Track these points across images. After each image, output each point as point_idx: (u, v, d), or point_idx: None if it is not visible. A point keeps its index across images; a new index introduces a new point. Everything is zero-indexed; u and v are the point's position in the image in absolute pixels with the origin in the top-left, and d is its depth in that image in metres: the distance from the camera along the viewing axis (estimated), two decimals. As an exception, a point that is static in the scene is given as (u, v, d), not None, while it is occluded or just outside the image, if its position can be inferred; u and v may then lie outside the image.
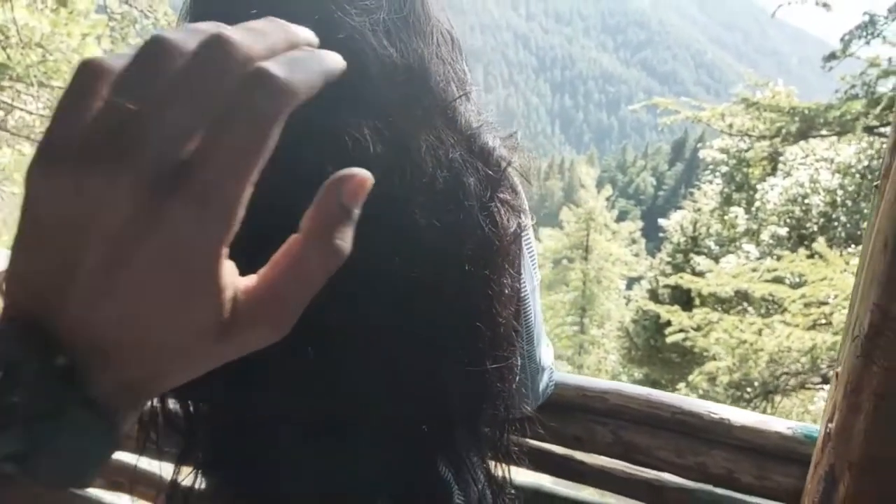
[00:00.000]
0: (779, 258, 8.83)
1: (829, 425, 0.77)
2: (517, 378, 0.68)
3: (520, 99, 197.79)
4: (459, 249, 0.59)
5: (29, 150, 10.23)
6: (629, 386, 1.16)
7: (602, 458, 1.16)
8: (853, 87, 8.01)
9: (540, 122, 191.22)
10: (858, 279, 0.73)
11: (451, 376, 0.62)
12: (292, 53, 0.29)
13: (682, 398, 1.13)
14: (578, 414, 1.15)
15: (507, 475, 0.73)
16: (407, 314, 0.59)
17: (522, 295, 0.71)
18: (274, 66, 0.26)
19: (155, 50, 0.25)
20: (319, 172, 0.51)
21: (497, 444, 0.70)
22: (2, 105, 9.43)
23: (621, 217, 27.14)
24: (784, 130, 7.52)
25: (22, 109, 9.63)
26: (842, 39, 7.67)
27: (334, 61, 0.31)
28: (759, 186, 12.25)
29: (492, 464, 0.71)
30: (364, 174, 0.30)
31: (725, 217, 13.85)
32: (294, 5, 0.57)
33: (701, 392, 9.28)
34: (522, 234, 0.67)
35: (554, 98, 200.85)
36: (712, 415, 1.07)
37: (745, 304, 9.36)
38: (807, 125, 7.29)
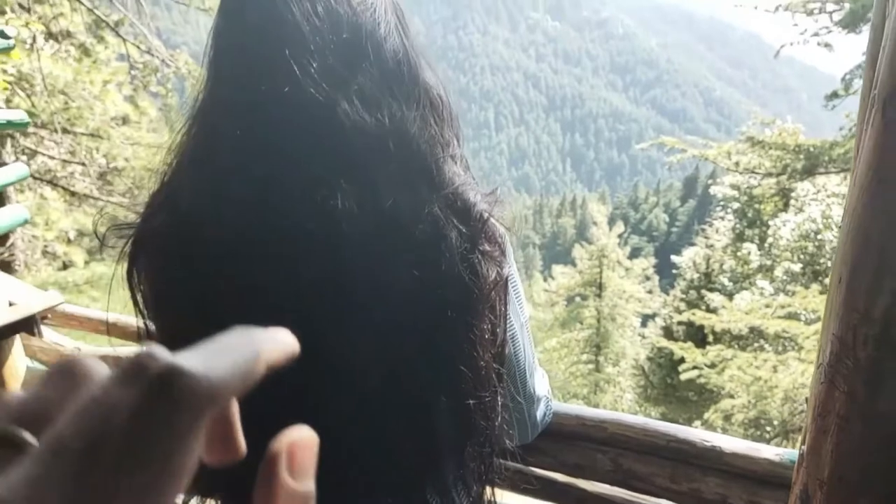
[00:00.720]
0: (793, 294, 8.82)
1: (802, 447, 0.84)
2: (500, 416, 0.72)
3: (530, 137, 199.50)
4: (440, 299, 0.64)
5: (50, 193, 10.51)
6: (626, 416, 1.23)
7: (602, 485, 1.22)
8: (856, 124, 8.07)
9: (551, 160, 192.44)
10: (825, 312, 0.81)
11: (437, 414, 0.67)
12: (223, 341, 0.25)
13: (677, 427, 1.19)
14: (579, 442, 1.21)
15: (493, 501, 0.78)
16: (393, 359, 0.64)
17: (510, 334, 0.77)
18: (189, 362, 0.22)
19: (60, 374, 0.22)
20: (305, 234, 0.61)
21: (482, 475, 0.74)
22: (25, 150, 9.71)
23: (634, 254, 27.09)
24: (790, 168, 7.61)
25: (44, 154, 9.92)
26: (843, 79, 7.80)
27: (276, 346, 0.27)
28: (771, 222, 12.27)
29: (485, 489, 0.77)
30: (307, 437, 0.26)
31: (738, 253, 13.84)
32: (266, 78, 0.63)
33: (718, 431, 9.18)
34: (507, 278, 0.73)
35: (564, 136, 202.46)
36: (705, 442, 1.14)
37: (761, 340, 9.31)
38: (812, 163, 7.37)
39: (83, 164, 9.19)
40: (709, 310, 10.55)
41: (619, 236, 20.99)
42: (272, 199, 0.63)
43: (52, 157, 10.02)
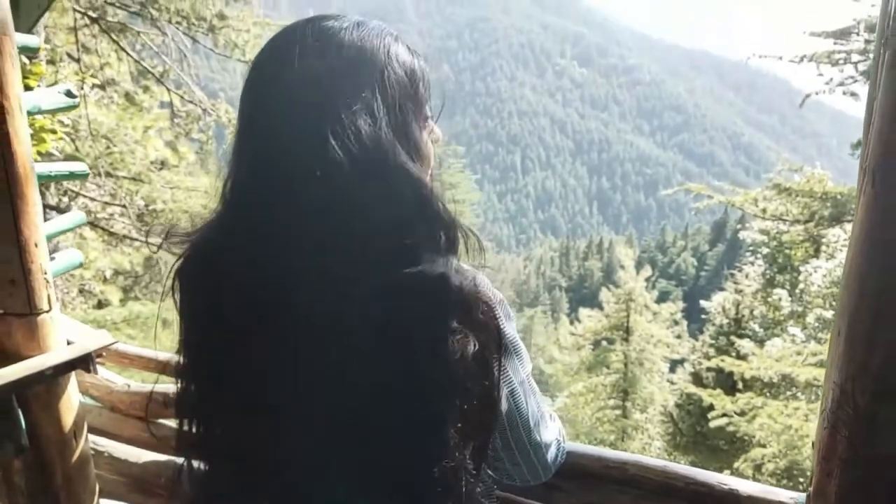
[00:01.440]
0: (824, 342, 8.66)
1: (809, 489, 0.89)
2: (472, 480, 0.78)
3: (557, 181, 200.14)
4: (413, 382, 0.72)
5: (89, 234, 10.84)
6: (647, 458, 1.28)
7: (623, 525, 1.27)
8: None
9: (577, 203, 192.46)
10: (827, 361, 0.87)
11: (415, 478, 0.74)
12: None
13: (696, 470, 1.24)
14: (600, 483, 1.27)
15: None
16: (373, 437, 0.72)
17: (509, 390, 0.84)
18: None
19: None
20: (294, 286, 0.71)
21: None
22: (68, 192, 10.06)
23: (662, 298, 26.78)
24: (818, 215, 7.58)
25: (86, 196, 10.28)
26: (870, 125, 7.74)
27: None
28: (802, 269, 12.10)
29: None
30: None
31: (769, 299, 13.63)
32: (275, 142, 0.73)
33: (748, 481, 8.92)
34: (494, 343, 0.78)
35: (591, 180, 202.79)
36: (722, 485, 1.18)
37: (792, 388, 9.12)
38: (839, 210, 7.34)
39: (123, 207, 9.50)
40: (739, 356, 10.38)
41: (647, 280, 20.81)
42: (272, 258, 0.74)
43: (93, 199, 10.38)
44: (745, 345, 10.28)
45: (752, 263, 15.32)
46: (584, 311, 22.88)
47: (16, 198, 1.54)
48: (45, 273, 1.62)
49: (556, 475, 1.11)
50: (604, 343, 19.90)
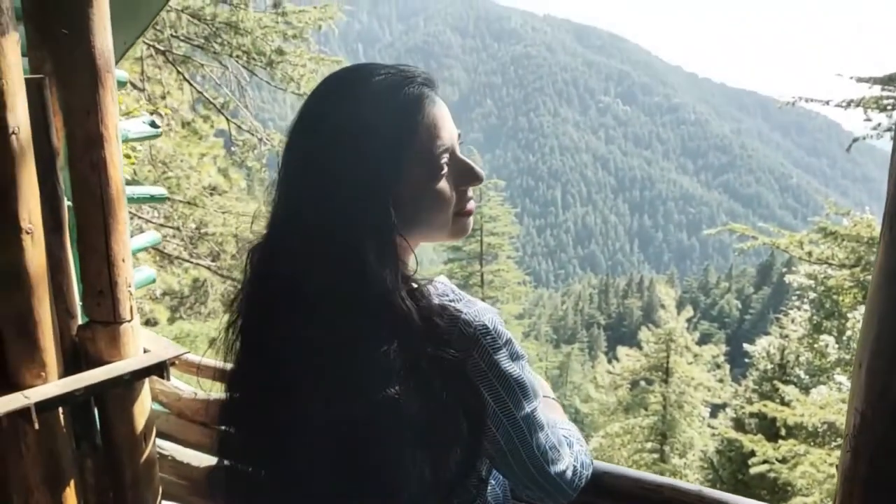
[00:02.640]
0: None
1: (834, 510, 0.96)
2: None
3: (598, 217, 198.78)
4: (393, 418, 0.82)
5: (142, 254, 11.26)
6: (683, 482, 1.35)
7: (658, 546, 1.33)
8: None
9: (618, 240, 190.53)
10: (850, 389, 0.94)
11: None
12: None
13: (732, 496, 1.30)
14: None
15: None
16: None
17: (512, 423, 0.90)
18: None
19: None
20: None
21: None
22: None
23: (704, 340, 26.24)
24: (864, 260, 7.43)
25: (141, 218, 10.71)
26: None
27: None
28: (850, 315, 11.78)
29: None
30: None
31: (815, 345, 13.25)
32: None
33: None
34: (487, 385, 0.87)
35: (633, 217, 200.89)
36: (754, 510, 1.24)
37: (837, 438, 8.84)
38: (887, 256, 7.18)
39: (177, 229, 9.87)
40: (782, 402, 10.13)
41: (688, 321, 20.45)
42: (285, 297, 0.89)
43: (147, 221, 10.82)
44: (790, 391, 10.02)
45: (799, 308, 14.96)
46: (622, 350, 22.54)
47: (108, 217, 1.72)
48: (130, 286, 1.78)
49: (591, 494, 1.20)
50: (642, 384, 19.55)
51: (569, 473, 1.00)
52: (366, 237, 0.83)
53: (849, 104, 7.38)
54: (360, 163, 0.84)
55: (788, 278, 14.17)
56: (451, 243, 19.23)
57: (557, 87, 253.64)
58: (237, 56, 8.38)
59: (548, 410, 1.13)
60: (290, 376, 0.88)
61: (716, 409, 19.95)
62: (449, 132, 0.92)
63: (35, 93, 1.62)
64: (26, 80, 1.56)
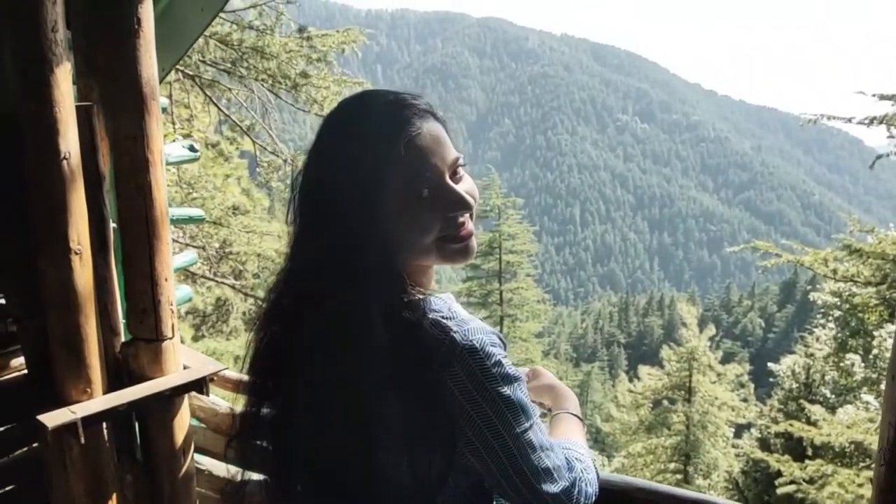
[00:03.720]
0: (901, 410, 8.22)
1: (869, 522, 0.97)
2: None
3: (617, 235, 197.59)
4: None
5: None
6: (720, 499, 1.36)
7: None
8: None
9: (638, 258, 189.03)
10: (883, 403, 0.96)
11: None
12: None
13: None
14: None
15: None
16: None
17: (501, 442, 0.92)
18: None
19: None
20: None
21: None
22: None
23: (727, 359, 25.86)
24: (890, 277, 7.32)
25: (168, 238, 10.87)
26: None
27: None
28: (876, 333, 11.57)
29: None
30: None
31: (841, 364, 13.01)
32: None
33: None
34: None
35: (652, 235, 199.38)
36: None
37: (865, 458, 8.66)
38: (914, 273, 7.09)
39: (202, 248, 10.01)
40: (809, 422, 9.95)
41: (711, 339, 20.18)
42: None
43: (175, 241, 11.00)
44: (816, 410, 9.85)
45: (824, 326, 14.71)
46: (643, 369, 22.27)
47: (153, 238, 1.78)
48: (172, 305, 1.84)
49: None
50: (664, 403, 19.28)
51: (563, 496, 1.00)
52: (355, 256, 0.92)
53: (871, 121, 7.33)
54: (347, 189, 0.92)
55: (813, 296, 13.98)
56: (470, 263, 19.20)
57: (575, 106, 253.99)
58: (262, 80, 8.55)
59: (566, 428, 1.18)
60: (287, 381, 1.01)
61: (740, 430, 19.60)
62: (439, 159, 0.97)
63: (84, 120, 1.69)
64: (76, 107, 1.64)
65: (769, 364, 18.08)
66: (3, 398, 1.82)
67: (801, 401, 13.15)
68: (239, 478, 1.10)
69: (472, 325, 0.94)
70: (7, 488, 1.91)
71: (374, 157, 0.92)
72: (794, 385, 15.08)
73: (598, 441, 30.18)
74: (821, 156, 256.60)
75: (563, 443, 1.08)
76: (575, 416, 1.23)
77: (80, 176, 1.63)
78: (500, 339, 0.98)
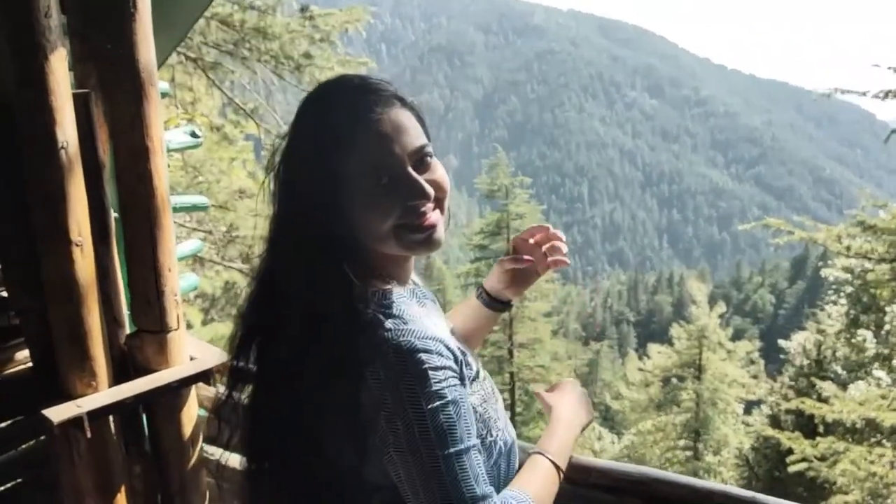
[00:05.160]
0: (914, 386, 8.19)
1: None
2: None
3: (625, 212, 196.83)
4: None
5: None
6: (736, 488, 1.33)
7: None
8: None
9: (647, 235, 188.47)
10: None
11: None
12: None
13: (784, 502, 1.27)
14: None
15: None
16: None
17: (418, 462, 0.88)
18: None
19: None
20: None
21: None
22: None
23: (737, 335, 25.82)
24: (904, 253, 7.24)
25: (175, 223, 10.88)
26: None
27: None
28: (888, 309, 11.50)
29: None
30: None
31: (853, 340, 12.96)
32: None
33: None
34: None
35: (661, 212, 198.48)
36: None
37: (877, 434, 8.63)
38: (928, 249, 6.99)
39: (209, 233, 10.00)
40: (820, 399, 9.92)
41: (721, 316, 20.16)
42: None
43: (181, 225, 11.00)
44: (827, 387, 9.82)
45: (835, 303, 14.63)
46: (653, 347, 22.31)
47: (154, 228, 1.75)
48: (176, 295, 1.81)
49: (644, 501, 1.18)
50: (674, 380, 19.32)
51: None
52: (311, 238, 0.96)
53: (886, 95, 7.19)
54: (307, 168, 0.96)
55: (824, 272, 13.89)
56: (478, 243, 19.16)
57: (583, 83, 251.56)
58: (265, 61, 8.46)
59: (529, 476, 1.08)
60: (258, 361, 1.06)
61: (750, 406, 19.65)
62: (400, 146, 0.96)
63: (82, 107, 1.65)
64: (73, 94, 1.60)
65: (780, 341, 18.07)
66: (9, 391, 1.81)
67: (813, 377, 13.13)
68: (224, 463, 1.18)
69: (409, 327, 0.91)
70: (14, 482, 1.91)
71: (334, 141, 0.94)
72: (805, 361, 15.07)
73: (608, 419, 30.34)
74: (832, 130, 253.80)
75: (506, 495, 0.99)
76: (551, 461, 1.11)
77: (79, 165, 1.59)
78: (450, 350, 0.94)
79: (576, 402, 1.25)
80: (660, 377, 19.94)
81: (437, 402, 0.88)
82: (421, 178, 0.97)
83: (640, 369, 22.70)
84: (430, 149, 1.00)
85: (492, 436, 1.06)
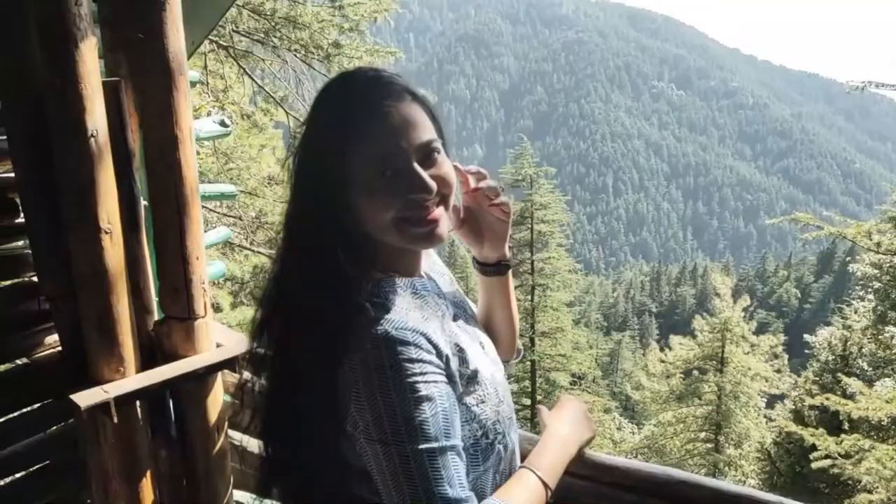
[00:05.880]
0: (942, 385, 7.97)
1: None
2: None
3: (650, 204, 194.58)
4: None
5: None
6: (765, 494, 1.28)
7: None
8: None
9: (671, 227, 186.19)
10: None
11: None
12: None
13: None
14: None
15: None
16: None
17: (390, 458, 0.87)
18: None
19: None
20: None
21: None
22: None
23: (761, 329, 25.39)
24: (938, 250, 7.00)
25: (206, 208, 11.00)
26: None
27: None
28: (918, 305, 11.21)
29: None
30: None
31: (880, 337, 12.67)
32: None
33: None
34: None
35: (686, 204, 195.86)
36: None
37: (904, 433, 8.44)
38: (962, 246, 6.76)
39: (238, 218, 10.09)
40: (845, 395, 9.72)
41: (745, 309, 19.83)
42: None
43: (210, 210, 11.12)
44: (853, 383, 9.61)
45: (862, 298, 14.31)
46: (675, 339, 22.05)
47: (183, 216, 1.74)
48: (203, 283, 1.81)
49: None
50: (695, 373, 19.10)
51: None
52: (313, 224, 0.98)
53: (923, 88, 6.94)
54: (319, 161, 0.97)
55: (852, 267, 13.62)
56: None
57: (609, 73, 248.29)
58: (295, 50, 8.46)
59: (512, 490, 1.01)
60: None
61: (773, 401, 19.36)
62: (406, 140, 0.96)
63: (112, 96, 1.64)
64: (103, 83, 1.59)
65: (805, 335, 17.74)
66: (38, 375, 1.82)
67: (838, 373, 12.86)
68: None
69: (390, 317, 0.92)
70: (42, 464, 1.93)
71: (343, 130, 0.95)
72: (831, 357, 14.78)
73: (629, 409, 30.14)
74: (863, 123, 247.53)
75: (487, 502, 0.95)
76: (539, 478, 1.04)
77: (109, 153, 1.59)
78: (433, 344, 0.92)
79: (575, 418, 1.19)
80: (681, 369, 19.69)
81: (409, 395, 0.87)
82: (425, 173, 0.97)
83: (662, 361, 22.42)
84: (437, 144, 1.00)
85: (488, 438, 1.02)
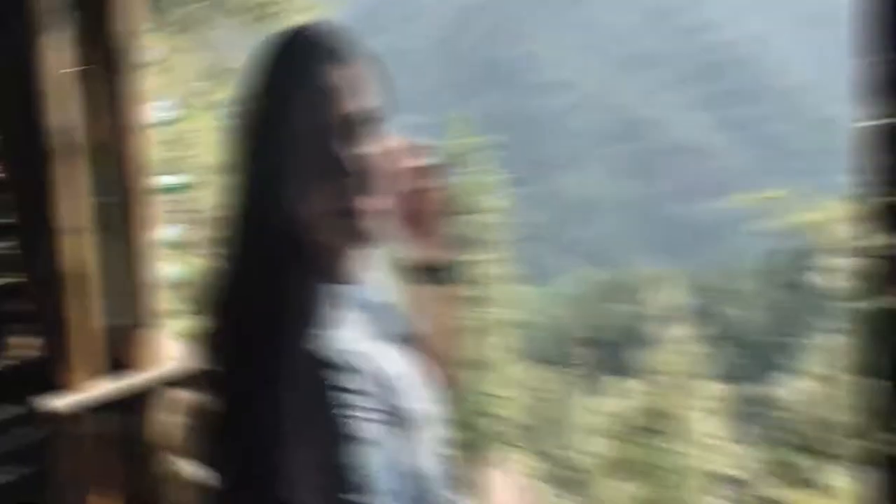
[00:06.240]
0: None
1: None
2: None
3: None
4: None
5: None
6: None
7: None
8: None
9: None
10: None
11: None
12: None
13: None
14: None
15: None
16: None
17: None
18: None
19: None
20: None
21: None
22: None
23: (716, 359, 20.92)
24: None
25: (164, 202, 10.63)
26: None
27: None
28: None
29: None
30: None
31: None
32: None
33: None
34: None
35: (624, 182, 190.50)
36: None
37: None
38: None
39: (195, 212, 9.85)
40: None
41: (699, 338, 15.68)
42: None
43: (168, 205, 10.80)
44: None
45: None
46: (612, 383, 17.25)
47: (137, 211, 1.75)
48: (161, 287, 1.80)
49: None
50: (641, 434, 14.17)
51: None
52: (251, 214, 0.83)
53: None
54: (252, 136, 0.83)
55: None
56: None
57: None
58: (242, 16, 8.31)
59: None
60: None
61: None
62: (339, 106, 0.83)
63: (71, 88, 1.63)
64: (63, 75, 1.58)
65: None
66: (4, 382, 1.82)
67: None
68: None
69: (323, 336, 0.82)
70: (10, 475, 1.92)
71: (266, 93, 0.84)
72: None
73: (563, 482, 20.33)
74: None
75: None
76: None
77: (70, 148, 1.57)
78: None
79: None
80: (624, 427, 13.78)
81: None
82: (353, 146, 0.84)
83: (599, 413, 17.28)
84: (380, 112, 0.88)
85: None
